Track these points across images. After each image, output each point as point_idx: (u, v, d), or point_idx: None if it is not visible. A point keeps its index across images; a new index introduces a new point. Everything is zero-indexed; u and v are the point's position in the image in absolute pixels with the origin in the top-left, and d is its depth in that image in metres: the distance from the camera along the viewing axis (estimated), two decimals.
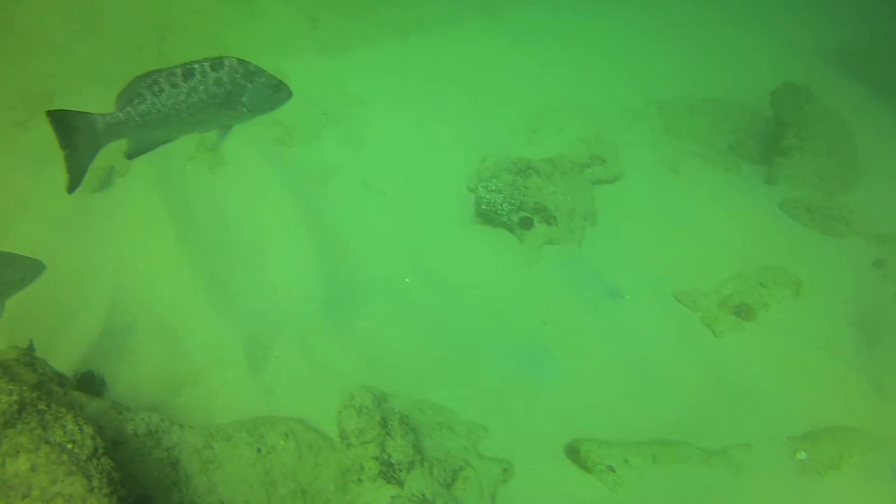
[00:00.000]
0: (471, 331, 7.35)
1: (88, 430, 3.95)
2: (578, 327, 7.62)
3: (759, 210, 9.82)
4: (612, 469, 6.27)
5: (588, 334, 7.57)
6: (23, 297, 5.56)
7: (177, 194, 7.75)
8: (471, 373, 6.94)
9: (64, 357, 6.15)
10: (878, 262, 9.25)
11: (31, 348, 5.11)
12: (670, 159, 10.43)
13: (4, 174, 7.67)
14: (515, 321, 7.58)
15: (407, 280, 7.68)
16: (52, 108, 4.01)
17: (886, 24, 15.83)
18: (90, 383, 5.52)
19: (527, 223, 8.41)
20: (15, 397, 3.85)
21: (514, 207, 8.47)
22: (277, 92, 4.45)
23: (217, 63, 4.18)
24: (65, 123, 4.00)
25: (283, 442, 5.50)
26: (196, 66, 4.13)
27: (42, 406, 3.92)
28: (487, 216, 8.55)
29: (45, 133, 8.11)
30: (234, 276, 7.16)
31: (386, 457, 5.50)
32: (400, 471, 5.45)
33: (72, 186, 4.15)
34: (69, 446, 3.80)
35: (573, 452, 6.45)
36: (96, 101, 8.34)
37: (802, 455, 6.84)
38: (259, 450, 5.38)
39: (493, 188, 8.55)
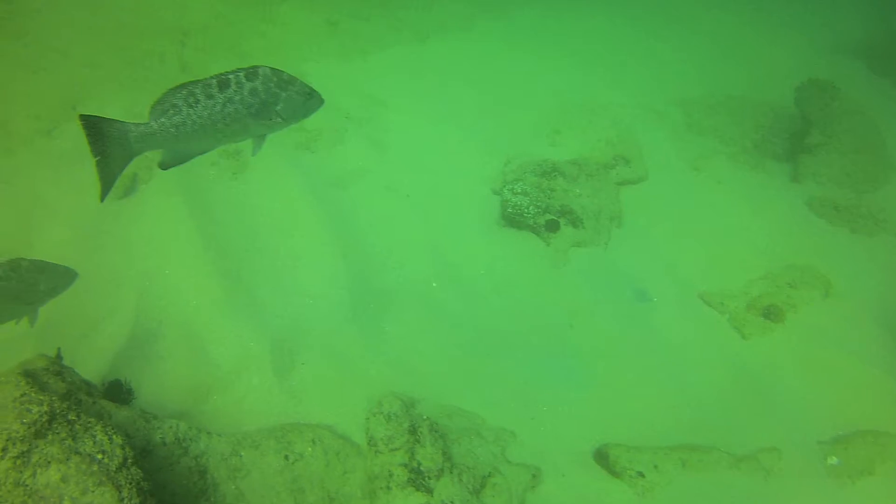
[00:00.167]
0: (498, 335, 7.30)
1: (118, 440, 3.94)
2: (606, 331, 7.56)
3: (785, 209, 9.70)
4: (641, 475, 6.20)
5: (616, 338, 7.51)
6: (49, 304, 5.59)
7: (201, 201, 7.76)
8: (498, 377, 6.89)
9: (90, 364, 6.17)
10: None
11: (59, 357, 5.11)
12: (694, 158, 10.34)
13: (30, 182, 7.71)
14: (542, 325, 7.52)
15: (434, 284, 7.64)
16: (84, 114, 3.98)
17: None
18: (118, 392, 5.51)
19: (553, 226, 8.35)
20: (45, 408, 3.84)
21: (540, 210, 8.41)
22: (310, 100, 4.42)
23: (252, 73, 4.15)
24: (97, 130, 3.98)
25: (310, 449, 5.48)
26: (231, 76, 4.10)
27: (72, 416, 3.92)
28: (513, 219, 8.49)
29: (70, 141, 8.24)
30: (259, 282, 7.15)
31: (415, 464, 5.46)
32: (429, 478, 5.41)
33: (103, 194, 4.13)
34: (99, 456, 3.79)
35: (602, 458, 6.38)
36: (119, 108, 8.44)
37: (834, 460, 6.74)
38: (287, 457, 5.36)
39: (519, 191, 8.50)
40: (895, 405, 7.31)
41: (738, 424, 6.96)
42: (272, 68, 4.23)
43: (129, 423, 4.77)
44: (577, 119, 10.45)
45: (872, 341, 7.93)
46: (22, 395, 3.90)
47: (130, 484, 3.78)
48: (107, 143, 4.00)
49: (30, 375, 4.27)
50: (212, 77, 4.08)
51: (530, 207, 8.41)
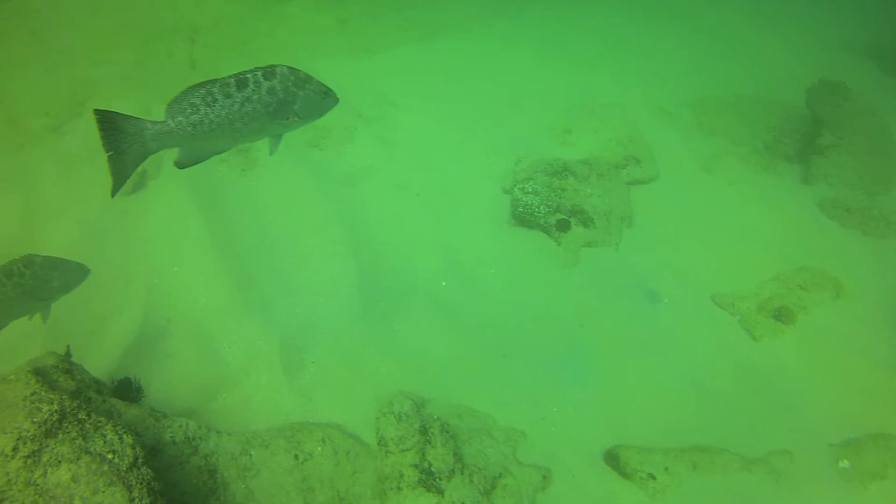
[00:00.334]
0: (508, 334, 7.26)
1: (128, 439, 3.91)
2: (616, 331, 7.51)
3: (797, 210, 9.63)
4: (652, 476, 6.16)
5: (626, 338, 7.46)
6: (57, 301, 5.57)
7: (209, 197, 7.74)
8: (508, 376, 6.85)
9: (98, 361, 6.16)
10: None
11: (68, 354, 5.09)
12: (705, 159, 10.28)
13: (39, 179, 7.71)
14: (553, 325, 7.48)
15: (443, 283, 7.60)
16: (98, 109, 3.95)
17: None
18: (127, 390, 5.49)
19: (564, 226, 8.30)
20: (55, 406, 3.81)
21: (551, 210, 8.36)
22: (326, 98, 4.40)
23: (269, 72, 4.13)
24: (111, 125, 3.95)
25: (320, 448, 5.45)
26: (249, 75, 4.08)
27: (82, 415, 3.89)
28: (524, 218, 8.44)
29: (79, 138, 8.23)
30: (268, 280, 7.13)
31: (426, 465, 5.43)
32: (440, 479, 5.37)
33: (115, 190, 4.10)
34: (110, 456, 3.76)
35: (612, 459, 6.34)
36: (129, 105, 8.41)
37: (845, 463, 6.68)
38: (296, 457, 5.33)
39: (530, 190, 8.45)
40: None
41: (749, 426, 6.91)
42: (289, 67, 4.21)
43: (138, 421, 4.74)
44: (588, 118, 10.40)
45: (884, 344, 7.87)
46: (32, 394, 3.87)
47: (141, 484, 3.76)
48: (121, 138, 3.97)
49: (40, 373, 4.25)
50: (230, 76, 4.05)
51: (541, 207, 8.36)
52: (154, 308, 6.69)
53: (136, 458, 3.85)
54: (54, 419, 3.75)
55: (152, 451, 4.69)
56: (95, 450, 3.76)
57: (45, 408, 3.78)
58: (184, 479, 4.78)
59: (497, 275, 7.88)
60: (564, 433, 6.50)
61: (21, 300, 5.19)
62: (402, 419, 5.65)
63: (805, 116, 11.14)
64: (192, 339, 6.49)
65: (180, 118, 4.00)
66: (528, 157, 9.25)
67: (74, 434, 3.76)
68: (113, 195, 4.12)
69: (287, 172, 8.21)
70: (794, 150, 10.94)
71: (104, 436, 3.86)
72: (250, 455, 5.20)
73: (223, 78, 4.03)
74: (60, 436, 3.72)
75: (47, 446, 3.64)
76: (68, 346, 5.24)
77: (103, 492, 3.60)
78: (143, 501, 3.69)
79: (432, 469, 5.41)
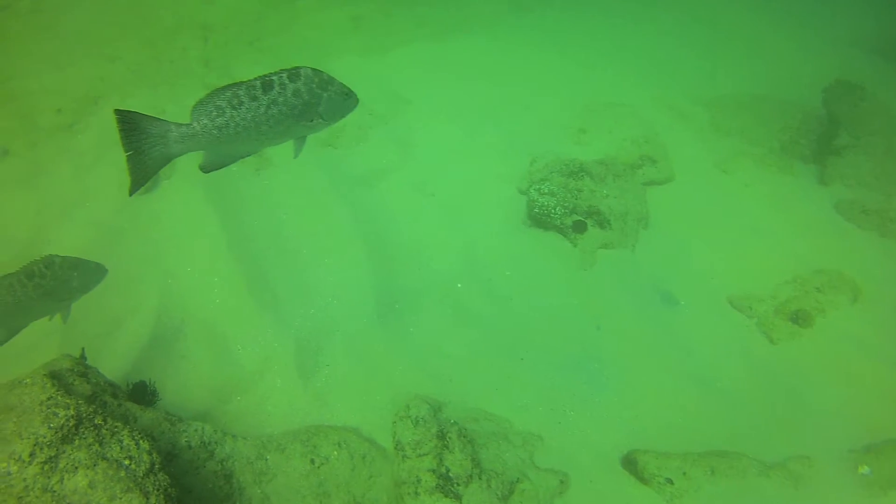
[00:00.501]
0: (524, 337, 7.20)
1: (145, 445, 3.87)
2: (633, 334, 7.44)
3: (814, 212, 9.55)
4: (670, 481, 6.09)
5: (643, 341, 7.39)
6: None
7: (223, 197, 7.70)
8: (524, 380, 6.79)
9: (112, 363, 6.13)
10: None
11: (83, 357, 5.05)
12: (721, 160, 10.19)
13: (52, 178, 7.68)
14: (569, 327, 7.41)
15: (459, 285, 7.55)
16: (119, 109, 3.90)
17: None
18: (143, 393, 5.44)
19: (580, 227, 8.23)
20: (72, 411, 3.77)
21: (567, 211, 8.28)
22: (348, 100, 4.38)
23: (294, 74, 4.08)
24: (133, 125, 3.89)
25: (336, 453, 5.40)
26: (274, 77, 4.03)
27: (98, 420, 3.84)
28: (539, 219, 8.37)
29: (92, 136, 8.19)
30: (282, 281, 7.08)
31: (444, 470, 5.37)
32: (458, 484, 5.31)
33: (133, 190, 4.04)
34: (126, 462, 3.72)
35: (630, 464, 6.28)
36: (142, 103, 8.39)
37: (865, 469, 6.59)
38: (312, 461, 5.28)
39: (546, 191, 8.38)
40: None
41: (767, 431, 6.84)
42: (313, 69, 4.16)
43: (154, 425, 4.70)
44: (603, 118, 10.33)
45: None
46: (48, 399, 3.83)
47: (158, 490, 3.71)
48: (142, 139, 3.91)
49: (55, 377, 4.20)
50: (255, 79, 4.00)
51: (557, 208, 8.28)
52: (167, 310, 6.66)
53: (152, 464, 3.81)
54: (70, 424, 3.71)
55: (168, 456, 4.64)
56: (112, 456, 3.71)
57: (62, 413, 3.74)
58: (199, 485, 4.73)
59: (513, 277, 7.81)
60: (581, 437, 6.44)
61: (42, 300, 5.17)
62: (419, 423, 5.59)
63: (821, 116, 11.05)
64: (207, 340, 6.46)
65: (206, 121, 3.95)
66: (544, 156, 9.18)
67: (91, 440, 3.72)
68: (131, 194, 4.07)
69: (301, 172, 8.17)
70: (810, 150, 10.85)
71: (120, 441, 3.81)
72: (266, 459, 5.16)
73: (249, 80, 3.98)
74: (77, 441, 3.67)
75: (64, 452, 3.60)
76: (83, 349, 5.20)
77: (120, 498, 3.55)
78: None
79: (450, 474, 5.35)
